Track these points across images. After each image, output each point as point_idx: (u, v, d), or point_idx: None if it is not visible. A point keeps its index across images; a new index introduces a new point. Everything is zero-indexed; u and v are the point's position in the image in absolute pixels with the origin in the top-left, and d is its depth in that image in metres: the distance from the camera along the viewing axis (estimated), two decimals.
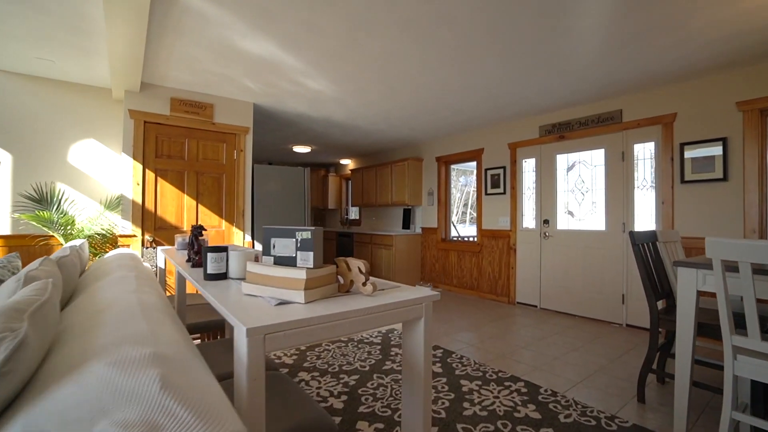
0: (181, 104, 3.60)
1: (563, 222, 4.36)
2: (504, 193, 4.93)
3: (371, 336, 3.38)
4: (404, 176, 6.15)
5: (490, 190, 5.12)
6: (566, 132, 4.26)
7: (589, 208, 4.14)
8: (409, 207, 6.38)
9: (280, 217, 4.24)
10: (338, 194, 8.38)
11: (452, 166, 5.97)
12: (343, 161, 8.03)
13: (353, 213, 8.28)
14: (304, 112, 4.46)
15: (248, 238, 4.03)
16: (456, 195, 10.70)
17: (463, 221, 10.97)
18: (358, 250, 6.67)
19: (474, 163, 5.58)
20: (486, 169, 5.17)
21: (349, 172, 7.62)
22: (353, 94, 3.81)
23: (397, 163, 6.31)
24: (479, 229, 5.26)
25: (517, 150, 4.79)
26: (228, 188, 3.92)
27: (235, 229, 3.93)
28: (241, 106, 3.99)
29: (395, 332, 3.49)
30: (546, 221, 4.48)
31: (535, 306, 4.59)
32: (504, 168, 4.93)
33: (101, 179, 3.58)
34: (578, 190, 4.24)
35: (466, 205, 11.35)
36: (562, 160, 4.37)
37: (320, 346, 3.10)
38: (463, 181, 10.99)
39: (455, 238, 5.98)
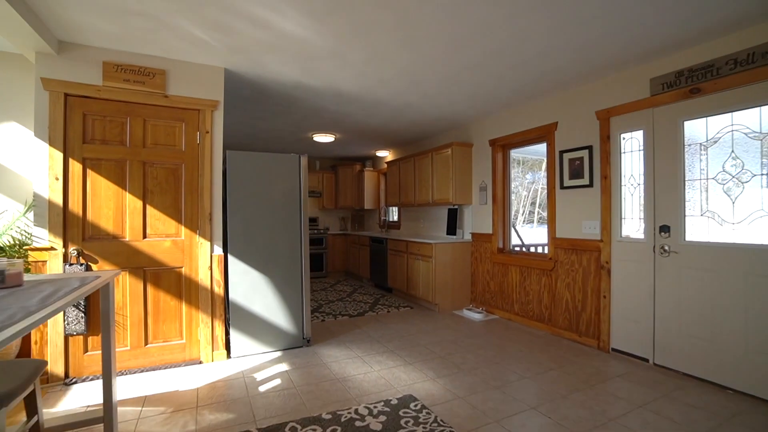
0: (118, 70, 2.66)
1: (699, 230, 2.65)
2: (590, 185, 3.30)
3: None
4: (448, 167, 4.73)
5: (567, 182, 3.51)
6: (704, 81, 2.55)
7: (754, 207, 2.40)
8: (455, 207, 4.95)
9: (265, 222, 3.16)
10: (376, 192, 7.19)
11: (512, 152, 4.42)
12: (380, 153, 6.82)
13: (393, 214, 7.03)
14: (299, 80, 3.31)
15: (218, 249, 3.00)
16: (520, 192, 8.90)
17: (530, 221, 9.10)
18: (393, 260, 5.40)
19: (543, 146, 4.00)
20: (561, 152, 3.57)
21: (386, 165, 6.39)
22: (351, 43, 2.56)
23: (439, 150, 4.91)
24: (552, 238, 3.67)
25: (611, 121, 3.14)
26: (189, 183, 2.92)
27: (199, 239, 2.92)
28: (206, 72, 2.96)
29: None
30: (664, 228, 2.79)
31: (646, 360, 2.92)
32: (589, 149, 3.30)
33: (29, 174, 2.78)
34: (730, 179, 2.51)
35: (534, 203, 9.42)
36: (696, 129, 2.66)
37: None
38: (531, 177, 9.10)
39: (517, 249, 4.42)
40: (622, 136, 3.08)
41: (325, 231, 7.05)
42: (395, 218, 6.85)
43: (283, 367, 2.86)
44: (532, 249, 4.88)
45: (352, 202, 7.37)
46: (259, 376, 2.70)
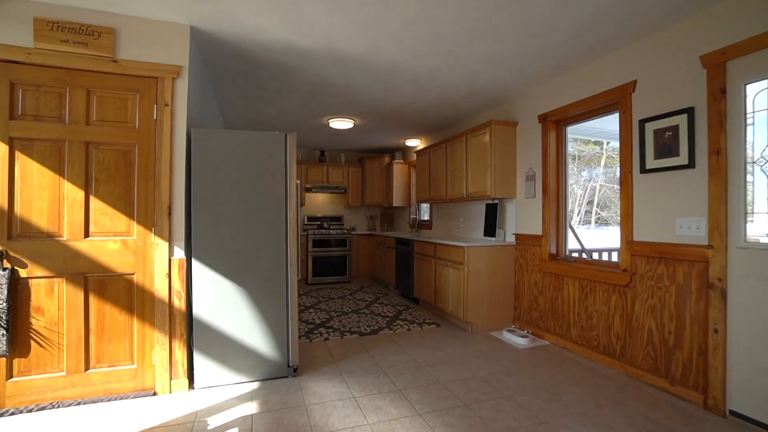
0: (53, 29, 2.14)
1: None
2: (689, 165, 2.27)
3: None
4: (486, 152, 3.83)
5: (652, 163, 2.49)
6: None
7: None
8: (495, 201, 4.02)
9: (240, 218, 2.52)
10: (407, 187, 6.39)
11: (569, 129, 3.42)
12: (411, 142, 6.01)
13: (425, 212, 6.19)
14: (286, 40, 2.64)
15: (179, 252, 2.40)
16: (575, 190, 7.58)
17: (586, 221, 7.78)
18: (419, 266, 4.58)
19: (612, 119, 2.99)
20: (642, 122, 2.55)
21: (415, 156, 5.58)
22: None
23: (474, 132, 4.02)
24: (626, 243, 2.66)
25: (727, 67, 2.09)
26: (144, 169, 2.34)
27: (155, 239, 2.34)
28: (166, 30, 2.37)
29: None
30: None
31: None
32: (689, 112, 2.27)
33: None
34: None
35: (590, 202, 8.05)
36: None
37: None
38: (587, 174, 7.77)
39: (575, 256, 3.41)
40: (749, 87, 2.02)
41: (350, 231, 6.38)
42: (427, 217, 6.01)
43: (251, 408, 2.18)
44: (594, 255, 3.83)
45: (380, 199, 6.64)
46: (215, 420, 2.04)
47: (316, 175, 6.44)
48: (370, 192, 6.68)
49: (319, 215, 6.70)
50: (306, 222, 6.58)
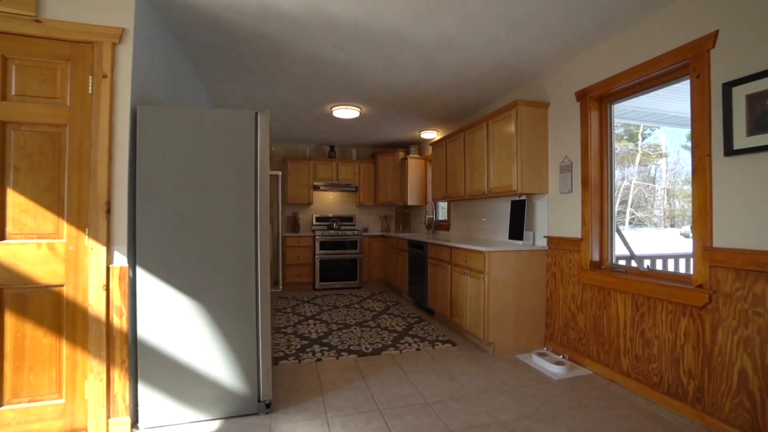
0: None
1: None
2: None
3: None
4: (511, 139, 3.20)
5: (744, 142, 1.81)
6: None
7: None
8: (522, 198, 3.37)
9: (198, 217, 2.03)
10: (422, 184, 5.80)
11: (616, 107, 2.74)
12: (427, 134, 5.42)
13: (442, 211, 5.57)
14: (263, 2, 2.14)
15: (121, 259, 1.94)
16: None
17: (619, 222, 6.92)
18: (433, 273, 3.99)
19: (667, 95, 2.32)
20: (728, 86, 1.87)
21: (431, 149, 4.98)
22: None
23: (497, 116, 3.39)
24: (702, 250, 1.97)
25: None
26: (77, 156, 1.90)
27: (90, 242, 1.88)
28: None
29: None
30: None
31: None
32: None
33: None
34: None
35: (623, 202, 7.16)
36: None
37: None
38: (619, 173, 6.88)
39: (622, 264, 2.73)
40: None
41: (361, 232, 5.85)
42: (445, 217, 5.39)
43: None
44: (650, 266, 3.12)
45: (394, 197, 6.07)
46: None
47: (325, 171, 5.96)
48: (383, 190, 6.13)
49: (329, 215, 6.22)
50: (315, 222, 6.11)
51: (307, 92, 3.69)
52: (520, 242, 3.27)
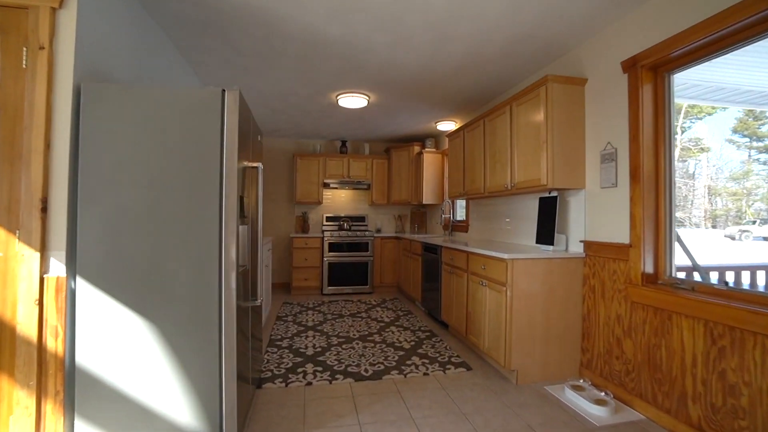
0: None
1: None
2: None
3: None
4: (539, 124, 2.68)
5: None
6: None
7: None
8: (552, 194, 2.83)
9: (152, 217, 1.67)
10: (439, 181, 5.31)
11: (677, 77, 2.18)
12: (444, 125, 4.93)
13: (461, 211, 5.07)
14: None
15: (58, 267, 1.60)
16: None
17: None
18: (447, 281, 3.51)
19: (738, 62, 1.77)
20: None
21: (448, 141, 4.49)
22: None
23: (522, 97, 2.88)
24: None
25: None
26: (7, 144, 1.58)
27: (21, 247, 1.56)
28: None
29: None
30: None
31: None
32: None
33: None
34: None
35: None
36: None
37: None
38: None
39: (685, 278, 2.16)
40: None
41: (373, 233, 5.43)
42: (464, 216, 4.89)
43: None
44: (735, 283, 2.53)
45: (408, 196, 5.62)
46: None
47: (336, 168, 5.58)
48: (396, 187, 5.68)
49: (340, 214, 5.84)
50: (325, 222, 5.75)
51: (307, 77, 3.30)
52: (550, 248, 2.75)
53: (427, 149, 5.30)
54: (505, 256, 2.49)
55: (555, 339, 2.57)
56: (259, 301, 2.02)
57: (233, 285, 1.69)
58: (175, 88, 1.70)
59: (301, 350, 3.05)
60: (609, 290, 2.39)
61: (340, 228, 5.73)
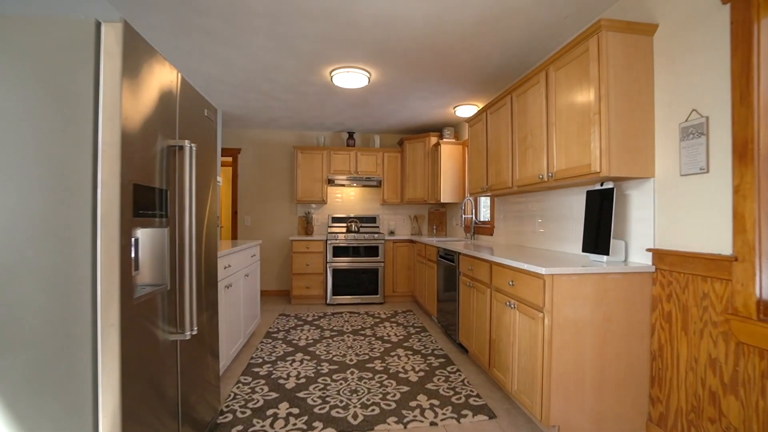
0: None
1: None
2: None
3: None
4: (587, 92, 1.97)
5: None
6: None
7: None
8: (607, 187, 2.10)
9: None
10: (459, 175, 4.63)
11: None
12: (464, 110, 4.24)
13: (484, 210, 4.36)
14: None
15: None
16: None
17: None
18: (466, 296, 2.84)
19: None
20: None
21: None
22: None
23: (562, 58, 2.17)
24: None
25: None
26: None
27: None
28: None
29: None
30: None
31: None
32: None
33: None
34: None
35: None
36: None
37: None
38: None
39: None
40: None
41: (383, 236, 4.81)
42: (488, 216, 4.18)
43: None
44: None
45: (425, 193, 4.96)
46: None
47: (342, 163, 5.01)
48: (411, 184, 5.04)
49: (350, 215, 5.26)
50: (330, 224, 5.19)
51: (287, 45, 2.72)
52: (604, 258, 2.03)
53: (445, 139, 4.62)
54: (542, 270, 1.81)
55: (612, 384, 1.86)
56: (188, 334, 1.45)
57: (115, 317, 1.11)
58: (19, 16, 1.13)
59: (281, 381, 2.47)
60: (696, 321, 1.66)
61: (348, 230, 5.15)
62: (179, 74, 1.51)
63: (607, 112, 1.86)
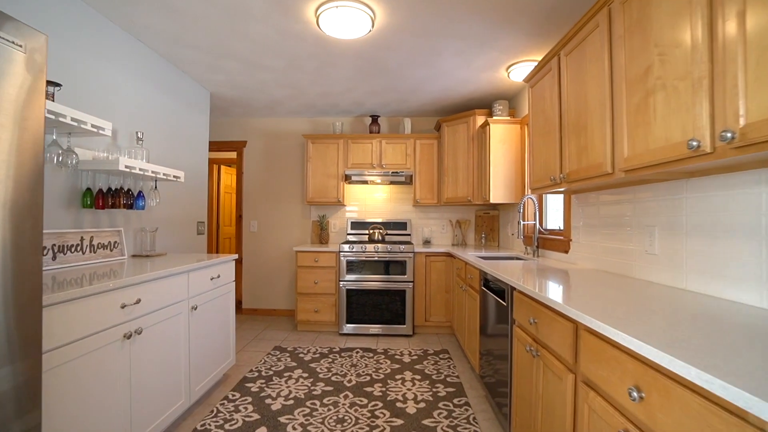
0: None
1: None
2: None
3: None
4: None
5: None
6: None
7: None
8: None
9: None
10: (517, 167, 3.36)
11: None
12: (520, 71, 2.99)
13: (554, 212, 3.05)
14: None
15: None
16: None
17: None
18: (526, 370, 1.63)
19: None
20: None
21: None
22: None
23: None
24: None
25: None
26: None
27: None
28: None
29: None
30: None
31: None
32: None
33: None
34: None
35: None
36: None
37: None
38: None
39: None
40: None
41: (413, 247, 3.68)
42: (560, 223, 2.88)
43: None
44: None
45: (468, 191, 3.74)
46: None
47: (361, 154, 3.99)
48: (451, 179, 3.86)
49: (376, 220, 4.22)
50: (349, 229, 4.19)
51: None
52: None
53: (495, 117, 3.39)
54: (753, 400, 0.60)
55: None
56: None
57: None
58: None
59: None
60: None
61: (371, 239, 4.11)
62: None
63: None
